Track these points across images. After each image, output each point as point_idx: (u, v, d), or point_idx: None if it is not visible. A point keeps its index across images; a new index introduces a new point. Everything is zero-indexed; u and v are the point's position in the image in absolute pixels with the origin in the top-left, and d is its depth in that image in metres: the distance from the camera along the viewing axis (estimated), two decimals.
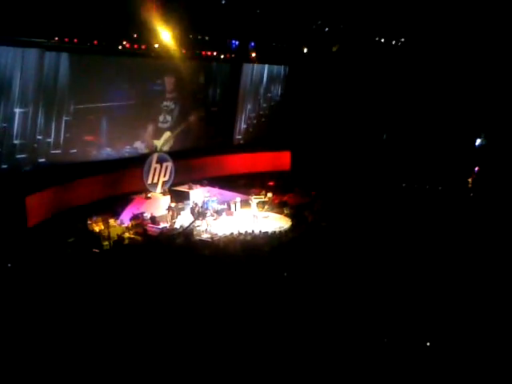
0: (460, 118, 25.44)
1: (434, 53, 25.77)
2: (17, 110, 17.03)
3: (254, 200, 19.99)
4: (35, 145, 17.92)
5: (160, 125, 22.85)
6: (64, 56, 18.33)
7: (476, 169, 24.08)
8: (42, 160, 18.31)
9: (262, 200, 21.00)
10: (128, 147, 21.71)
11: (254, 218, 19.41)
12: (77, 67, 18.81)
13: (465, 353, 8.75)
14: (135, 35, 19.54)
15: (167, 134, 23.17)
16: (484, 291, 11.12)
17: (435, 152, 24.81)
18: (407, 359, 8.68)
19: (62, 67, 18.33)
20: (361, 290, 11.33)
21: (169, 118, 23.08)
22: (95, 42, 18.52)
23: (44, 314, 10.37)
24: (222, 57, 23.67)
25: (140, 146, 22.20)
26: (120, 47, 19.45)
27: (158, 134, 22.85)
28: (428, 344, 9.09)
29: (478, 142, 26.55)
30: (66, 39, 17.73)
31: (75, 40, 17.94)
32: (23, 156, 17.52)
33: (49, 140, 18.44)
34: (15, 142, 17.19)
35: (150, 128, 22.53)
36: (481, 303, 10.52)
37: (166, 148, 23.07)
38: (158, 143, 22.83)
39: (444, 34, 24.91)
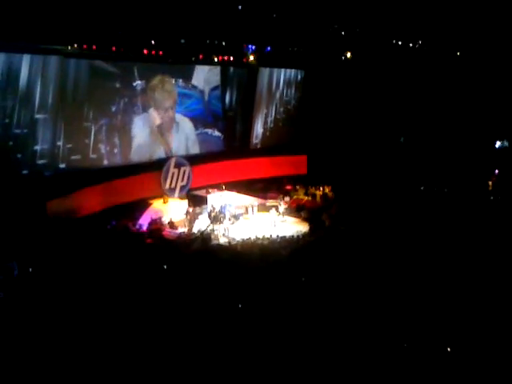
0: (479, 119, 25.15)
1: (452, 55, 25.57)
2: (37, 117, 17.31)
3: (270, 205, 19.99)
4: (55, 150, 18.18)
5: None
6: (84, 63, 18.60)
7: (496, 171, 23.77)
8: (63, 166, 18.58)
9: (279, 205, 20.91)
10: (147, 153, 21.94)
11: (273, 222, 19.40)
12: (96, 73, 19.08)
13: (485, 360, 8.63)
14: (153, 41, 19.74)
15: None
16: (507, 297, 10.96)
17: (454, 154, 24.55)
18: (427, 365, 8.59)
19: (82, 74, 18.60)
20: (380, 294, 11.24)
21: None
22: (113, 48, 18.75)
23: (63, 318, 10.50)
24: (239, 61, 23.76)
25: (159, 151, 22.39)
26: (138, 53, 19.65)
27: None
28: (449, 350, 8.99)
29: (498, 144, 26.22)
30: (85, 46, 17.98)
31: (93, 47, 18.18)
32: (44, 162, 17.79)
33: (69, 146, 18.69)
34: (36, 147, 17.49)
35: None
36: (503, 309, 10.38)
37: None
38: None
39: (463, 36, 24.71)
